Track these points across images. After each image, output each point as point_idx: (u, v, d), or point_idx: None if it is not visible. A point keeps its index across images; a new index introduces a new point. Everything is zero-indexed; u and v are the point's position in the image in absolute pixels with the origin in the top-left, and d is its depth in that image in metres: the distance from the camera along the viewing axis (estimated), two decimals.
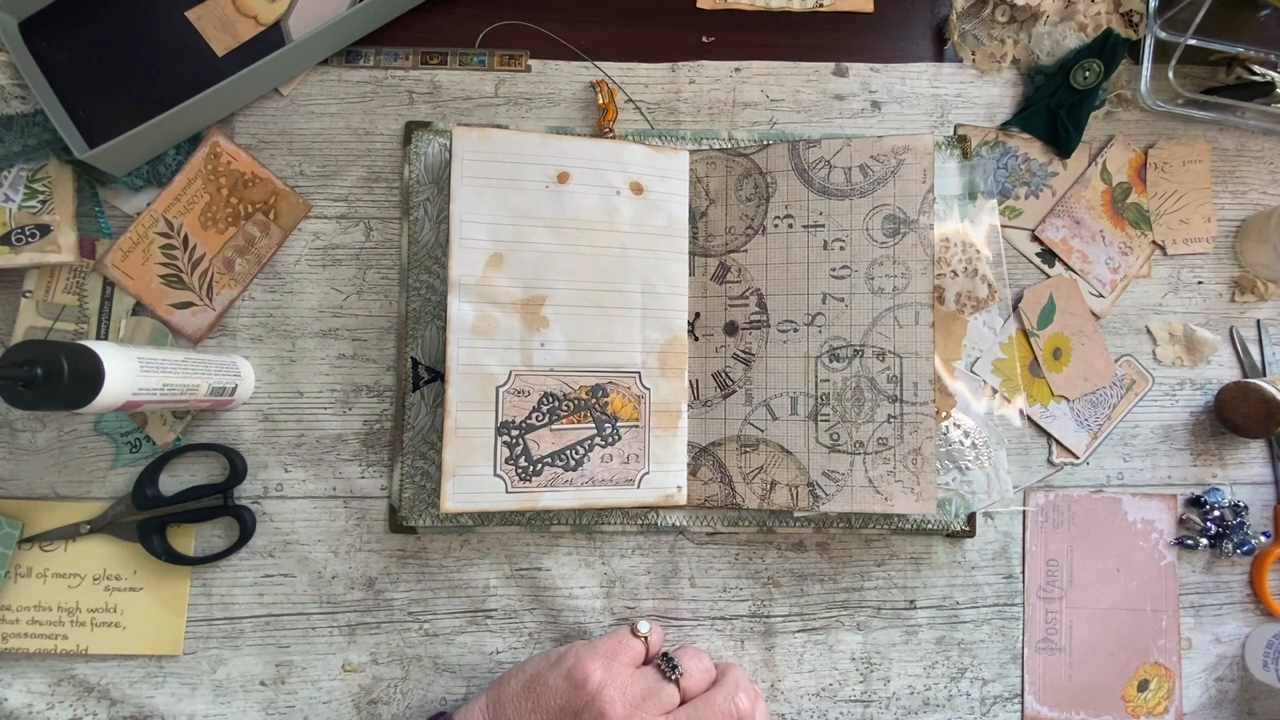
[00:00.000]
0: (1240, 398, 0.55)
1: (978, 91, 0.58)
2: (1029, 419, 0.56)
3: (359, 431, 0.54)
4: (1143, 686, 0.56)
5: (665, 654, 0.49)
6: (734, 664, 0.52)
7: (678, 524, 0.54)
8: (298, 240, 0.54)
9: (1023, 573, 0.56)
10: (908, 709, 0.55)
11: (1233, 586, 0.57)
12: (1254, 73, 0.57)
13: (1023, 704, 0.56)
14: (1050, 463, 0.57)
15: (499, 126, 0.55)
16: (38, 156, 0.52)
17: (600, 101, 0.55)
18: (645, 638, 0.49)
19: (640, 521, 0.54)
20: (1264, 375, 0.58)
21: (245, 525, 0.52)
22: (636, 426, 0.52)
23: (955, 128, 0.58)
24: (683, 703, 0.47)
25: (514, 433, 0.50)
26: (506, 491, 0.50)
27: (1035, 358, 0.56)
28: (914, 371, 0.52)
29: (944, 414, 0.54)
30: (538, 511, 0.52)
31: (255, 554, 0.53)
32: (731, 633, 0.55)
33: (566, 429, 0.51)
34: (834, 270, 0.53)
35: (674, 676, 0.47)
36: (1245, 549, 0.56)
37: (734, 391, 0.54)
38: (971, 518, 0.55)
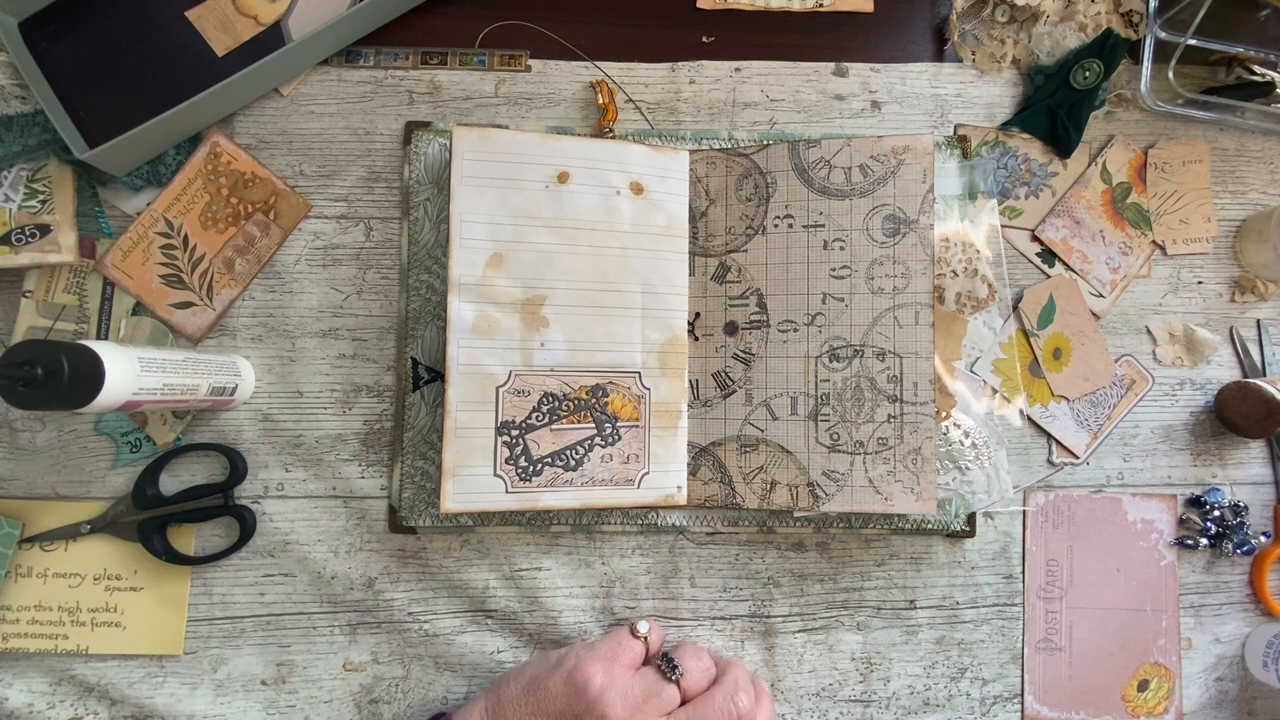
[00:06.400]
0: (1240, 398, 0.55)
1: (978, 91, 0.58)
2: (1029, 419, 0.56)
3: (359, 431, 0.54)
4: (1143, 686, 0.56)
5: (665, 654, 0.49)
6: (736, 660, 0.52)
7: (678, 524, 0.54)
8: (298, 240, 0.54)
9: (1023, 573, 0.56)
10: (908, 709, 0.55)
11: (1233, 586, 0.57)
12: (1254, 73, 0.57)
13: (1023, 704, 0.56)
14: (1050, 463, 0.57)
15: (499, 126, 0.55)
16: (38, 156, 0.52)
17: (600, 101, 0.55)
18: (645, 638, 0.49)
19: (640, 521, 0.54)
20: (1264, 375, 0.58)
21: (245, 525, 0.52)
22: (636, 426, 0.52)
23: (955, 128, 0.58)
24: (684, 702, 0.47)
25: (514, 433, 0.50)
26: (506, 492, 0.50)
27: (1035, 358, 0.56)
28: (914, 371, 0.52)
29: (944, 414, 0.54)
30: (538, 512, 0.52)
31: (255, 554, 0.53)
32: (731, 633, 0.55)
33: (566, 429, 0.51)
34: (834, 270, 0.53)
35: (674, 677, 0.47)
36: (1245, 549, 0.56)
37: (734, 391, 0.54)
38: (971, 518, 0.55)
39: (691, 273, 0.54)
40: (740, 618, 0.55)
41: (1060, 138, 0.57)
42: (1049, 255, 0.57)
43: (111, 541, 0.52)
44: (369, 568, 0.53)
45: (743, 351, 0.54)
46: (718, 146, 0.55)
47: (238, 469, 0.52)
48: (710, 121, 0.56)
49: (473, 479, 0.49)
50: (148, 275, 0.53)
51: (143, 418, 0.53)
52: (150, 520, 0.52)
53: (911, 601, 0.55)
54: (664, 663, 0.47)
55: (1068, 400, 0.57)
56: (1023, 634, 0.56)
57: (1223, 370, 0.58)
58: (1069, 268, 0.57)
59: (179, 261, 0.53)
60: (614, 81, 0.56)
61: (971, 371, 0.55)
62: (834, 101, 0.57)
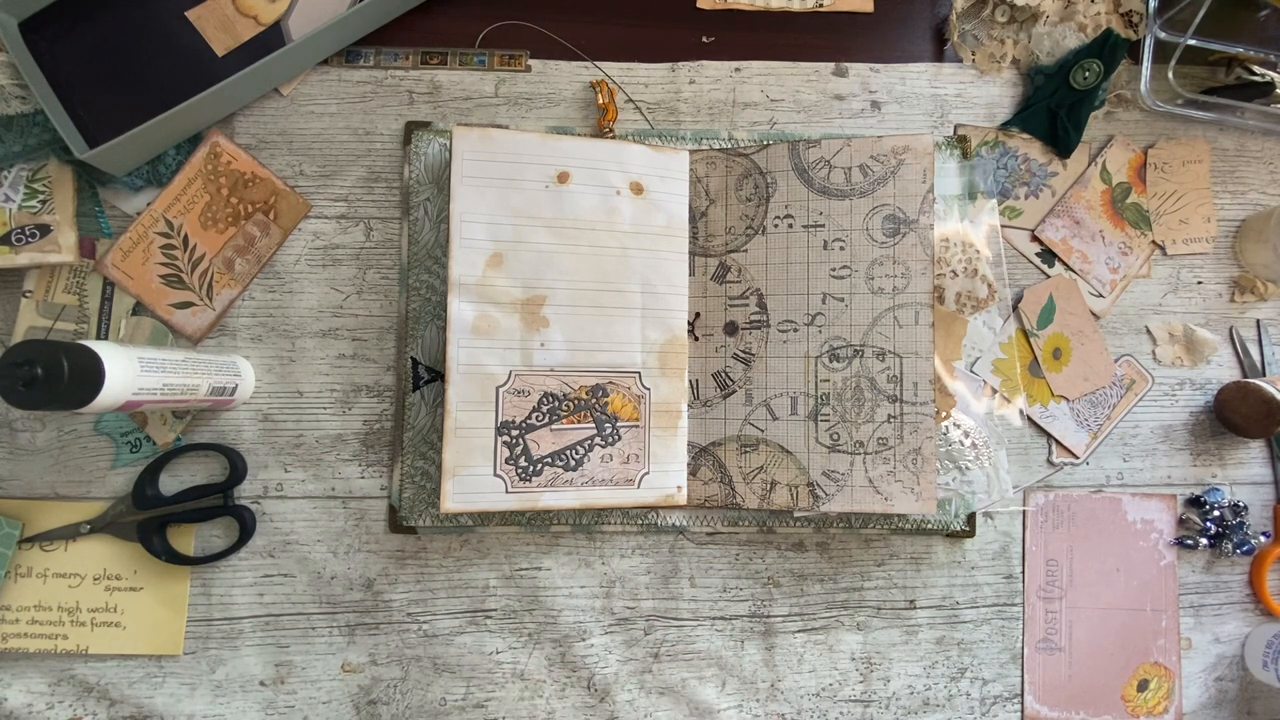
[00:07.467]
0: (1240, 398, 0.55)
1: (978, 91, 0.58)
2: (1029, 419, 0.56)
3: (359, 431, 0.54)
4: (1142, 686, 0.56)
5: None
6: None
7: (678, 524, 0.54)
8: (298, 240, 0.54)
9: (1023, 573, 0.56)
10: (908, 709, 0.55)
11: (1232, 586, 0.57)
12: (1254, 73, 0.57)
13: (1022, 704, 0.56)
14: (1050, 463, 0.57)
15: (499, 126, 0.55)
16: (38, 156, 0.52)
17: (600, 101, 0.55)
18: None
19: (640, 521, 0.54)
20: (1264, 375, 0.58)
21: (245, 525, 0.52)
22: (636, 426, 0.52)
23: (955, 128, 0.58)
24: None
25: (514, 433, 0.50)
26: (506, 491, 0.50)
27: (1035, 358, 0.56)
28: (914, 371, 0.52)
29: (944, 414, 0.54)
30: (538, 511, 0.52)
31: (255, 554, 0.53)
32: (731, 633, 0.55)
33: (566, 429, 0.51)
34: (834, 270, 0.53)
35: None
36: (1245, 549, 0.56)
37: (734, 391, 0.54)
38: (971, 518, 0.55)
39: (691, 273, 0.54)
40: (740, 618, 0.55)
41: (1060, 138, 0.57)
42: (1049, 255, 0.57)
43: (111, 541, 0.52)
44: (368, 568, 0.53)
45: (743, 351, 0.54)
46: (718, 146, 0.55)
47: (237, 469, 0.52)
48: (710, 121, 0.56)
49: (473, 479, 0.49)
50: (148, 275, 0.52)
51: (143, 418, 0.53)
52: (150, 520, 0.52)
53: (911, 601, 0.55)
54: None
55: (1068, 400, 0.57)
56: (1022, 634, 0.56)
57: (1222, 370, 0.58)
58: (1069, 268, 0.57)
59: (179, 261, 0.53)
60: (614, 81, 0.56)
61: (971, 371, 0.55)
62: (834, 101, 0.57)
